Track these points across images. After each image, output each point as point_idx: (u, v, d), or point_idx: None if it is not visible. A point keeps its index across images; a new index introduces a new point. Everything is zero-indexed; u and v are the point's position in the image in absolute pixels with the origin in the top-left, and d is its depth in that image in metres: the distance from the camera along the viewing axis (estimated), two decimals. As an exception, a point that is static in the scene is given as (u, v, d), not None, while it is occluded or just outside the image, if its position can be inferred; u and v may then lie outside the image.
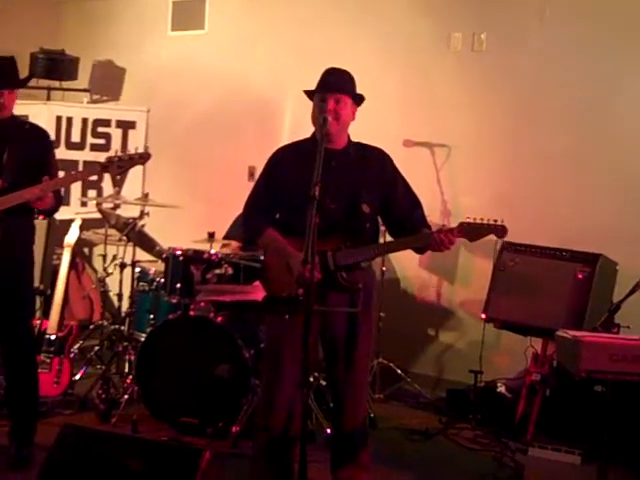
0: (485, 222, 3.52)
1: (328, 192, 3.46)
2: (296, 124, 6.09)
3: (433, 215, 5.46)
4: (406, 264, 6.01)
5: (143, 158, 4.03)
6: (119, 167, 4.00)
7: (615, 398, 4.48)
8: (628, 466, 4.39)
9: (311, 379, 4.70)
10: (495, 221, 3.52)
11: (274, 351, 3.67)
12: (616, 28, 5.36)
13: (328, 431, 4.37)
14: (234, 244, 5.36)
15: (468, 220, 3.54)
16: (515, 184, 5.67)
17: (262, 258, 3.87)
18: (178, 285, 4.96)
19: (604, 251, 4.92)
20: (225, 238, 5.47)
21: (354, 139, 3.78)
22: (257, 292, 3.99)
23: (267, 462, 3.69)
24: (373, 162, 3.73)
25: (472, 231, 3.53)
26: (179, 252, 5.02)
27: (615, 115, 5.36)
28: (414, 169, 5.63)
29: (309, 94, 3.70)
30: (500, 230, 3.52)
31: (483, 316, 5.13)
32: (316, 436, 4.51)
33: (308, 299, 3.10)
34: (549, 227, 5.39)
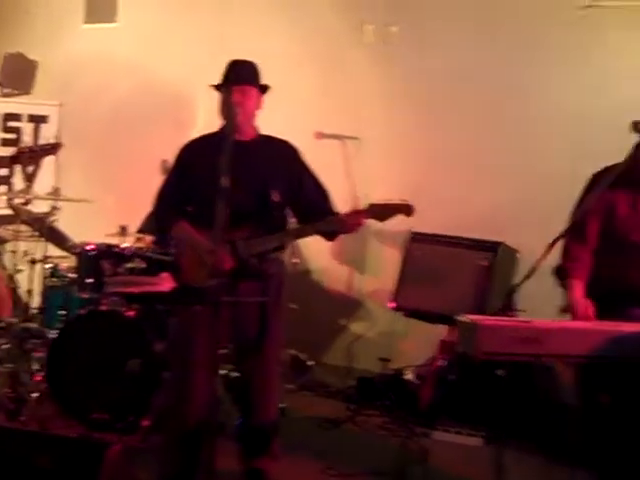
0: (393, 202, 3.57)
1: (237, 182, 3.48)
2: (210, 117, 6.07)
3: (344, 208, 5.51)
4: (317, 255, 6.09)
5: (55, 148, 4.00)
6: (30, 158, 3.95)
7: (515, 381, 4.71)
8: (526, 446, 4.51)
9: (223, 371, 4.74)
10: (402, 200, 3.58)
11: (185, 342, 3.68)
12: (520, 23, 5.54)
13: (239, 422, 4.40)
14: (148, 238, 5.33)
15: (377, 201, 3.60)
16: (424, 175, 5.81)
17: (174, 251, 3.87)
18: (90, 280, 4.92)
19: (506, 239, 5.10)
20: (139, 232, 5.44)
21: (266, 131, 3.82)
22: (165, 283, 3.99)
23: (177, 453, 3.70)
24: (281, 154, 3.78)
25: (380, 211, 3.58)
26: (90, 247, 4.97)
27: (524, 106, 5.54)
28: (325, 161, 5.68)
29: (216, 87, 3.73)
30: (407, 208, 3.57)
31: (391, 305, 5.24)
32: (226, 427, 4.53)
33: (217, 289, 3.13)
34: (455, 217, 5.54)
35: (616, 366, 3.26)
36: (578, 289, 3.35)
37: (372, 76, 6.00)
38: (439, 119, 5.77)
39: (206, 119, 6.33)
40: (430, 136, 5.81)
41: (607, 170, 3.26)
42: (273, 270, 3.65)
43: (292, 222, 3.93)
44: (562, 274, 3.43)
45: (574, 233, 3.39)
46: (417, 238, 5.29)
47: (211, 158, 3.44)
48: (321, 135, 6.10)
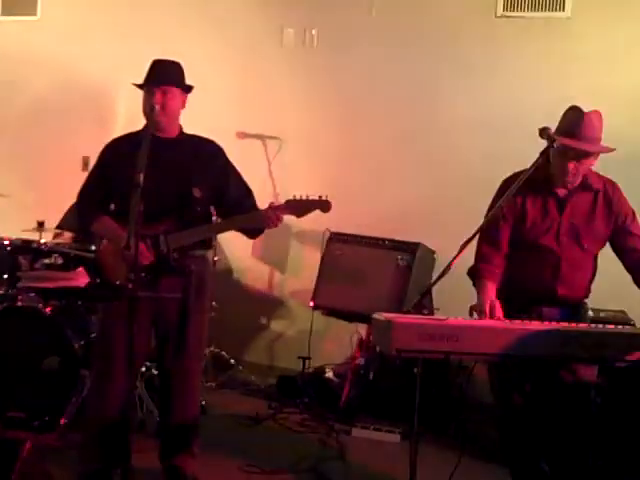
0: (310, 198, 3.64)
1: (160, 177, 3.52)
2: (131, 114, 6.01)
3: (265, 206, 5.57)
4: (239, 254, 6.12)
5: None
6: None
7: (430, 378, 4.81)
8: (439, 439, 4.65)
9: (143, 368, 4.72)
10: (320, 197, 3.65)
11: (105, 339, 3.68)
12: (433, 31, 5.69)
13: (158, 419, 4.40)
14: (67, 234, 5.27)
15: (294, 197, 3.66)
16: (344, 176, 5.89)
17: (94, 248, 3.86)
18: (5, 276, 4.84)
19: (424, 240, 5.22)
20: (58, 227, 5.37)
21: (189, 131, 3.84)
22: (80, 278, 3.97)
23: (94, 450, 3.68)
24: (205, 152, 3.80)
25: (298, 207, 3.64)
26: (6, 242, 4.89)
27: (438, 115, 5.67)
28: (247, 161, 5.71)
29: (139, 86, 3.74)
30: (325, 204, 3.65)
31: (311, 304, 5.31)
32: (146, 425, 4.53)
33: (134, 283, 3.14)
34: (375, 218, 5.63)
35: (526, 364, 3.41)
36: (488, 290, 3.42)
37: (292, 78, 6.07)
38: (358, 120, 5.87)
39: (127, 116, 6.29)
40: (349, 137, 5.90)
41: (517, 176, 3.34)
42: (195, 266, 3.66)
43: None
44: (474, 275, 3.53)
45: (487, 237, 3.48)
46: (337, 238, 5.37)
47: (133, 155, 3.44)
48: (243, 135, 6.16)
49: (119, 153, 3.73)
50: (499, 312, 3.26)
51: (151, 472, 3.83)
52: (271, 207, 3.65)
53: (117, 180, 3.64)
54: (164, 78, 3.68)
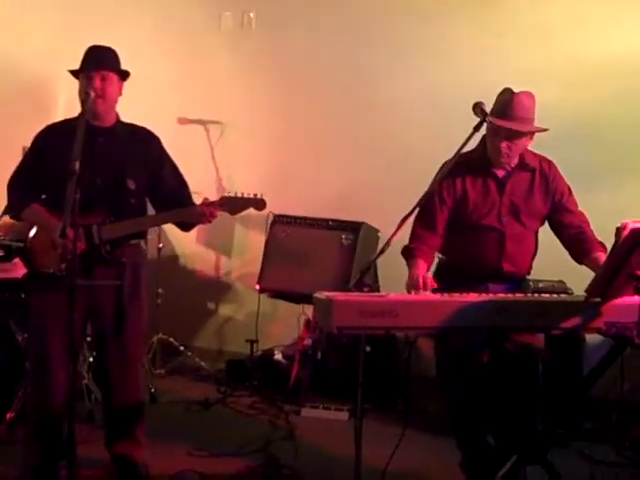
0: (245, 196, 3.66)
1: (94, 167, 3.50)
2: (70, 103, 5.93)
3: (209, 192, 5.49)
4: (184, 240, 6.08)
5: None
6: None
7: (377, 355, 4.87)
8: (387, 415, 4.72)
9: (91, 358, 4.69)
10: (255, 195, 3.67)
11: (40, 330, 3.63)
12: (375, 7, 5.69)
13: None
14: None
15: (229, 194, 3.67)
16: (287, 159, 5.89)
17: (27, 236, 3.80)
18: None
19: (368, 220, 5.25)
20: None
21: (129, 119, 3.80)
22: (16, 269, 3.92)
23: (39, 442, 3.65)
24: (141, 141, 3.77)
25: (232, 204, 3.66)
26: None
27: (378, 96, 5.68)
28: (189, 146, 5.77)
29: (75, 73, 3.68)
30: (259, 203, 3.68)
31: (257, 287, 5.31)
32: (94, 415, 4.50)
33: (71, 271, 3.11)
34: (319, 199, 5.63)
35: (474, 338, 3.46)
36: (419, 266, 3.45)
37: (232, 61, 6.04)
38: (299, 103, 5.86)
39: (67, 104, 6.19)
40: (291, 119, 5.89)
41: (457, 158, 3.38)
42: (129, 256, 3.64)
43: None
44: (407, 254, 3.56)
45: (421, 219, 3.52)
46: (280, 220, 5.38)
47: (68, 143, 3.39)
48: (185, 120, 6.12)
49: (53, 141, 3.67)
50: (431, 284, 3.30)
51: (100, 462, 3.82)
52: (205, 203, 3.65)
53: (50, 168, 3.59)
54: (102, 63, 3.63)
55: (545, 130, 3.49)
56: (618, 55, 5.04)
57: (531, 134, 3.51)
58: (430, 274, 3.45)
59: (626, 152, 5.07)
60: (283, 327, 5.70)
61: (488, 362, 3.57)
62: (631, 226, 2.83)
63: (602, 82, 5.07)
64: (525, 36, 5.27)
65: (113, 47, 3.74)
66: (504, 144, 3.46)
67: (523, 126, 3.43)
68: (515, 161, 3.56)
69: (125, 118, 3.80)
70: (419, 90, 5.53)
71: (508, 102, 3.43)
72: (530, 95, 3.47)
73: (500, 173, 3.57)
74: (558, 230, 3.64)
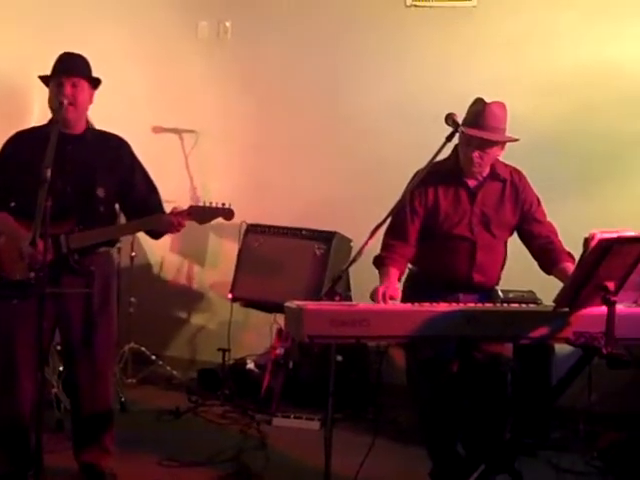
0: (213, 206, 3.65)
1: (63, 176, 3.48)
2: (44, 109, 5.95)
3: (183, 200, 5.48)
4: (157, 249, 6.07)
5: None
6: None
7: (349, 364, 4.87)
8: (358, 424, 4.75)
9: (61, 367, 4.66)
10: (223, 204, 3.66)
11: (7, 338, 3.58)
12: (351, 17, 5.72)
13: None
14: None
15: (197, 204, 3.68)
16: (261, 168, 5.90)
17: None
18: None
19: (340, 229, 5.26)
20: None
21: (104, 126, 3.79)
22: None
23: (6, 452, 3.61)
24: (111, 148, 3.75)
25: (200, 214, 3.65)
26: None
27: (351, 106, 5.70)
28: (164, 155, 5.77)
29: (45, 80, 3.67)
30: (227, 213, 3.67)
31: (230, 296, 5.31)
32: (64, 424, 4.46)
33: (40, 280, 3.09)
34: (292, 208, 5.64)
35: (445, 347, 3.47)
36: (389, 275, 3.47)
37: (207, 70, 6.05)
38: (273, 112, 5.88)
39: (41, 111, 6.15)
40: (265, 129, 5.90)
41: (429, 167, 3.40)
42: (98, 265, 3.62)
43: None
44: (379, 262, 3.58)
45: (392, 228, 3.54)
46: (254, 229, 5.38)
47: (38, 151, 3.38)
48: (159, 129, 6.12)
49: (22, 148, 3.65)
50: (394, 294, 3.31)
51: (68, 472, 3.78)
52: (173, 213, 3.63)
53: (19, 175, 3.56)
54: (74, 69, 3.62)
55: (516, 140, 3.54)
56: (587, 66, 5.13)
57: (502, 144, 3.55)
58: (399, 285, 3.46)
59: (595, 162, 5.14)
60: (255, 336, 5.68)
61: (457, 372, 3.60)
62: (599, 237, 2.86)
63: (571, 93, 5.15)
64: (495, 46, 5.33)
65: (88, 55, 3.72)
66: (476, 153, 3.49)
67: (495, 135, 3.47)
68: (487, 171, 3.60)
69: (100, 126, 3.79)
70: (391, 100, 5.57)
71: (480, 112, 3.47)
72: (502, 105, 3.52)
73: (472, 183, 3.61)
74: (527, 240, 3.68)
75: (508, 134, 3.54)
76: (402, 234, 3.58)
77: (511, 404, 3.65)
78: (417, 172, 3.49)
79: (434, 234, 3.61)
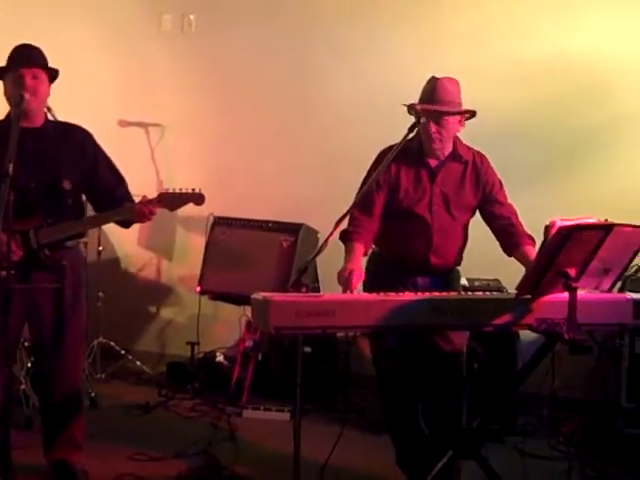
0: (183, 191, 3.64)
1: (26, 171, 3.44)
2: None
3: (149, 193, 5.48)
4: (125, 243, 6.05)
5: None
6: None
7: (318, 355, 4.90)
8: (328, 414, 4.79)
9: (29, 364, 4.64)
10: (193, 190, 3.65)
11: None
12: (314, 8, 5.73)
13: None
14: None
15: (167, 190, 3.66)
16: (227, 161, 5.90)
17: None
18: None
19: (307, 221, 5.28)
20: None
21: (68, 119, 3.77)
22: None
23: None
24: (73, 139, 3.71)
25: (171, 200, 3.63)
26: None
27: (316, 97, 5.73)
28: (129, 149, 5.73)
29: (3, 70, 3.60)
30: (197, 198, 3.65)
31: (198, 289, 5.31)
32: (33, 421, 4.44)
33: (8, 277, 3.07)
34: (259, 201, 5.65)
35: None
36: (355, 254, 3.51)
37: (172, 64, 6.03)
38: (238, 104, 5.87)
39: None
40: (231, 121, 5.89)
41: (391, 148, 3.44)
42: (68, 260, 3.61)
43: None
44: (345, 237, 3.61)
45: (360, 203, 3.54)
46: (221, 222, 5.38)
47: None
48: (125, 123, 6.09)
49: None
50: (356, 281, 3.34)
51: (37, 469, 3.77)
52: (143, 201, 3.61)
53: None
54: (33, 60, 3.57)
55: (471, 112, 3.60)
56: (551, 56, 5.17)
57: (460, 119, 3.60)
58: (363, 262, 3.50)
59: (559, 152, 5.20)
60: (224, 329, 5.69)
61: (408, 356, 3.63)
62: (559, 224, 2.92)
63: (536, 83, 5.19)
64: (460, 36, 5.36)
65: (52, 48, 3.68)
66: (433, 128, 3.54)
67: (447, 107, 3.53)
68: (448, 149, 3.64)
69: (65, 120, 3.76)
70: (356, 90, 5.59)
71: (433, 88, 3.55)
72: (453, 80, 3.61)
73: (433, 163, 3.65)
74: (489, 221, 3.72)
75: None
76: (368, 208, 3.60)
77: (467, 387, 3.71)
78: (382, 151, 3.57)
79: (395, 211, 3.64)
